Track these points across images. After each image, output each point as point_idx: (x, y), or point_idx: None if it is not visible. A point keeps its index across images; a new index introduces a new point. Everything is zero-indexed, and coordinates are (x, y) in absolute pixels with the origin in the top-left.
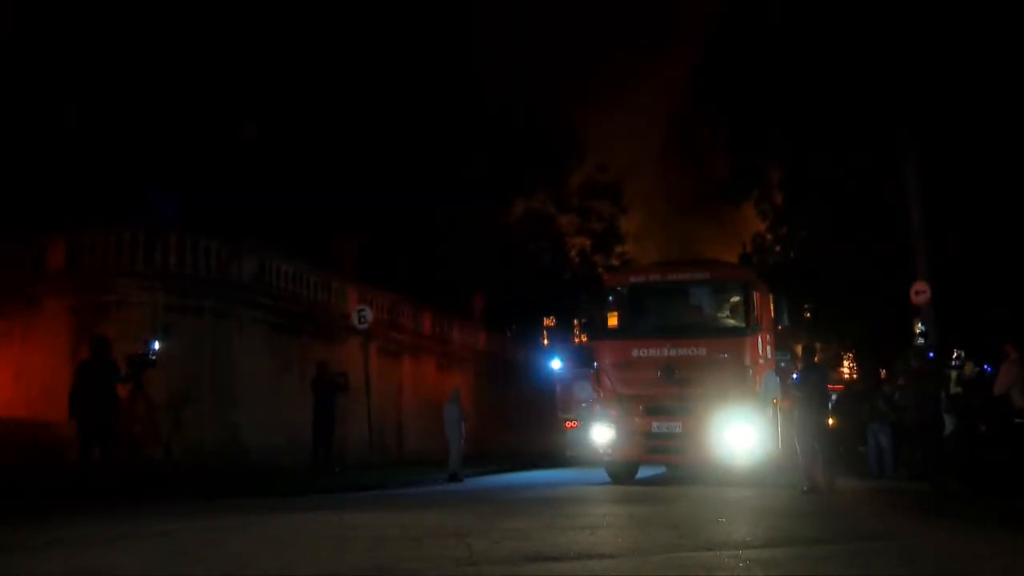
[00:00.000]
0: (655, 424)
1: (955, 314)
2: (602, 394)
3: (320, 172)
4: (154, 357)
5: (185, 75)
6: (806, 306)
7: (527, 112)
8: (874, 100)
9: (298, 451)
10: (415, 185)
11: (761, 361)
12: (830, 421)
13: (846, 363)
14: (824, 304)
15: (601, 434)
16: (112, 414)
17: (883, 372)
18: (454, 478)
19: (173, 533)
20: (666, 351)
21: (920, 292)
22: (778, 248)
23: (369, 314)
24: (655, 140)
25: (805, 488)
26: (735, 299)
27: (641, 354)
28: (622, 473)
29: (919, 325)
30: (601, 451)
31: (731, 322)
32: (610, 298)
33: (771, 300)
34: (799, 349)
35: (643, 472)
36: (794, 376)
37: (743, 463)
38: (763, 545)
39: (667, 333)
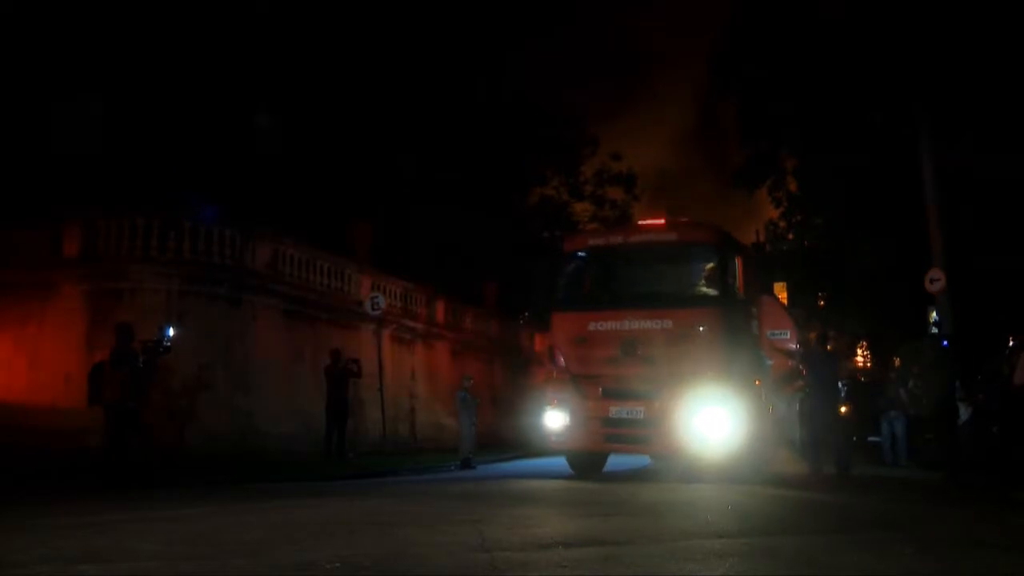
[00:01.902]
0: (613, 409)
1: (971, 302)
2: (555, 374)
3: (334, 159)
4: (169, 344)
5: (200, 62)
6: (820, 294)
7: (543, 100)
8: (888, 78)
9: (312, 438)
10: (428, 172)
11: (740, 335)
12: (843, 409)
13: (860, 352)
14: (838, 292)
15: (553, 420)
16: (138, 400)
17: (897, 361)
18: (467, 464)
19: (188, 518)
20: (627, 324)
21: (935, 280)
22: (791, 236)
23: (382, 301)
24: (670, 128)
25: (810, 474)
26: (708, 264)
27: (599, 328)
28: (583, 464)
29: (933, 314)
30: (554, 439)
31: (703, 290)
32: (567, 264)
33: (753, 265)
34: (812, 336)
35: (631, 462)
36: (804, 361)
37: (716, 453)
38: (777, 532)
39: (628, 303)
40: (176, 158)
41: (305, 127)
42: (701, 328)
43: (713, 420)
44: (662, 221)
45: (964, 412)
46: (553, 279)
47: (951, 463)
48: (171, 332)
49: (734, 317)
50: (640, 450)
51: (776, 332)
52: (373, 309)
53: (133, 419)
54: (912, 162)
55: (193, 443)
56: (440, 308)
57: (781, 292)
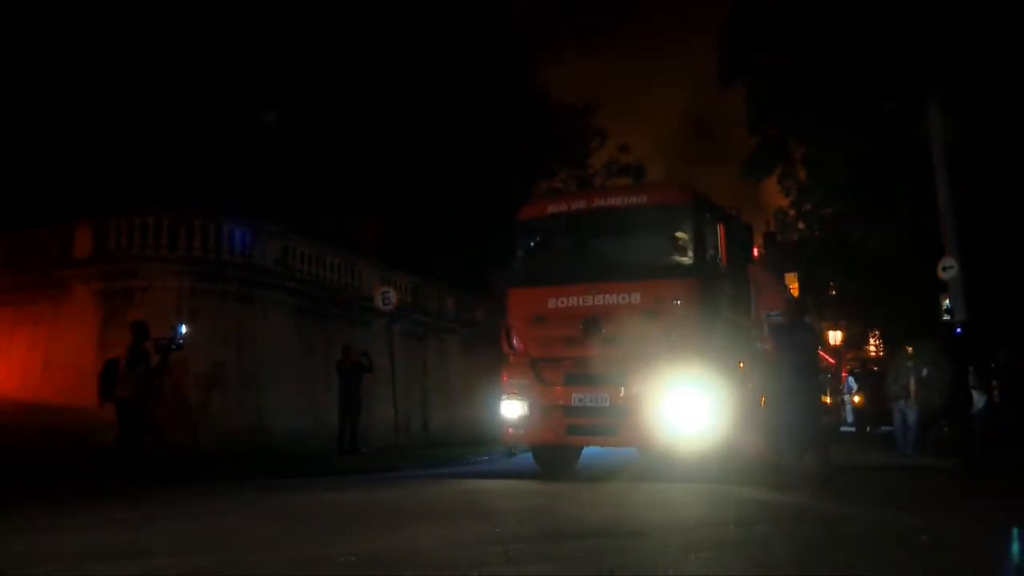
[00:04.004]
0: (576, 396)
1: (984, 290)
2: (512, 358)
3: (343, 155)
4: (181, 341)
5: (209, 59)
6: (831, 283)
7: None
8: (899, 63)
9: (324, 433)
10: (437, 168)
11: (721, 311)
12: (856, 399)
13: (872, 341)
14: (849, 281)
15: (510, 409)
16: (148, 398)
17: (909, 350)
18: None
19: (201, 515)
20: (589, 300)
21: (948, 267)
22: (802, 224)
23: (393, 296)
24: (678, 117)
25: (790, 477)
26: (683, 229)
27: (559, 305)
28: (550, 459)
29: (946, 302)
30: (511, 431)
31: (676, 260)
32: (525, 235)
33: (739, 233)
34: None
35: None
36: (773, 333)
37: (690, 446)
38: (774, 521)
39: (591, 276)
40: (185, 156)
41: (313, 124)
42: (674, 302)
43: (687, 408)
44: (632, 186)
45: (978, 400)
46: (511, 252)
47: (965, 451)
48: (183, 330)
49: (713, 290)
50: (605, 442)
51: (773, 314)
52: (384, 304)
53: (143, 417)
54: (924, 148)
55: (206, 440)
56: (451, 302)
57: (792, 282)
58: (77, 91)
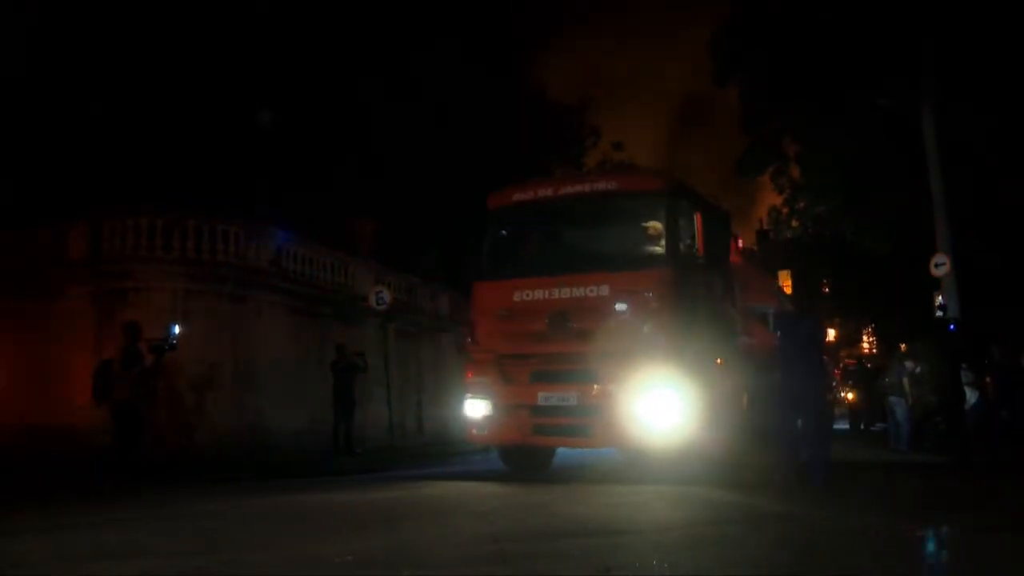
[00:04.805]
0: (542, 394)
1: (976, 286)
2: (476, 355)
3: (336, 154)
4: (174, 342)
5: (201, 59)
6: (825, 281)
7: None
8: (892, 61)
9: (319, 433)
10: (432, 167)
11: (697, 304)
12: (850, 396)
13: (866, 337)
14: (842, 278)
15: (474, 408)
16: (143, 399)
17: (903, 346)
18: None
19: (197, 516)
20: (557, 292)
21: (940, 264)
22: (795, 222)
23: (387, 296)
24: (670, 116)
25: (778, 479)
26: (657, 218)
27: (525, 298)
28: (518, 459)
29: (939, 298)
30: (475, 431)
31: (649, 249)
32: (492, 225)
33: (719, 223)
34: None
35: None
36: (776, 323)
37: (662, 446)
38: (769, 520)
39: (558, 268)
40: (178, 156)
41: (307, 123)
42: (646, 295)
43: (659, 407)
44: (602, 172)
45: (971, 396)
46: (477, 243)
47: (959, 448)
48: (177, 331)
49: (689, 282)
50: (573, 443)
51: (760, 307)
52: (378, 304)
53: (140, 418)
54: (917, 146)
55: (201, 441)
56: (445, 301)
57: (786, 280)
58: (73, 91)
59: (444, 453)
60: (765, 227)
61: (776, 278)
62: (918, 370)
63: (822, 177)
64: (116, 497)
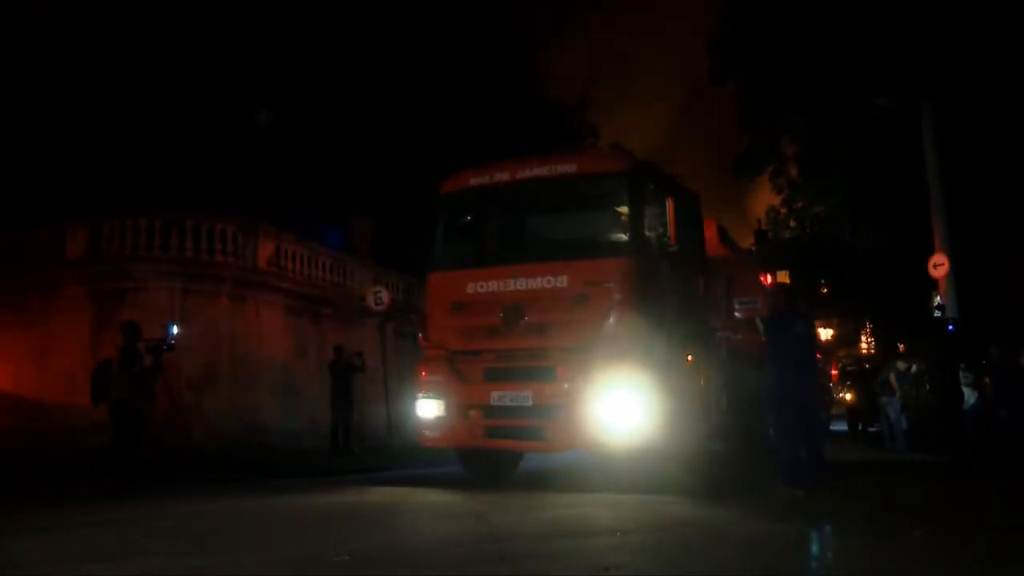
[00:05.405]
0: (495, 394)
1: (975, 287)
2: (429, 352)
3: (335, 155)
4: (173, 342)
5: (200, 59)
6: (823, 281)
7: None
8: (891, 60)
9: (318, 433)
10: (430, 167)
11: (665, 297)
12: (849, 396)
13: (864, 338)
14: (841, 279)
15: (425, 409)
16: (142, 399)
17: (901, 347)
18: None
19: (196, 516)
20: (511, 284)
21: (938, 265)
22: (793, 222)
23: (385, 295)
24: (670, 116)
25: (786, 487)
26: (619, 202)
27: (479, 290)
28: (477, 464)
29: (937, 298)
30: (427, 433)
31: (611, 236)
32: (447, 212)
33: (692, 209)
34: (771, 287)
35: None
36: (764, 325)
37: (622, 448)
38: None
39: (514, 257)
40: (176, 156)
41: (306, 123)
42: (606, 285)
43: (618, 407)
44: (563, 155)
45: (970, 396)
46: (432, 232)
47: (957, 448)
48: (175, 330)
49: (655, 271)
50: (528, 446)
51: (745, 300)
52: (376, 304)
53: (139, 418)
54: (915, 146)
55: (199, 441)
56: None
57: (784, 280)
58: (72, 91)
59: (443, 453)
60: (763, 227)
61: (767, 274)
62: (914, 368)
63: (821, 177)
64: (116, 497)
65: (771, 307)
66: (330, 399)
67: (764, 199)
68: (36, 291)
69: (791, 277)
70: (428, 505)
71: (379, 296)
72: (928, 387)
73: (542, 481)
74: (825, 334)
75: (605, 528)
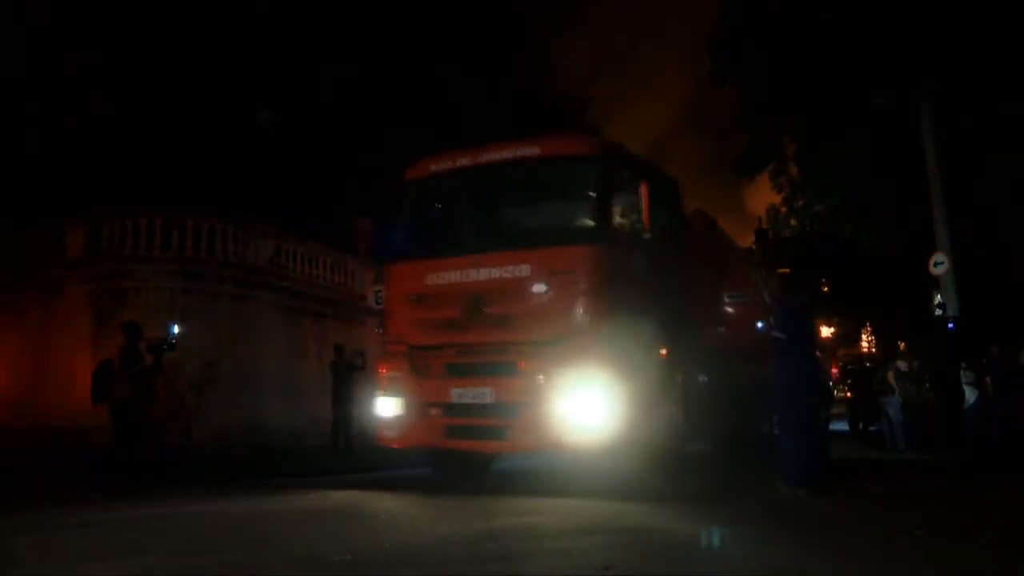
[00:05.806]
0: (456, 391)
1: (977, 286)
2: (389, 347)
3: (335, 154)
4: (174, 342)
5: (201, 60)
6: (824, 280)
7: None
8: (892, 59)
9: (319, 432)
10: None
11: (637, 288)
12: (849, 395)
13: (864, 337)
14: (841, 277)
15: (384, 407)
16: (143, 399)
17: (902, 345)
18: None
19: (197, 515)
20: (472, 274)
21: (939, 263)
22: (794, 221)
23: None
24: (670, 116)
25: (787, 486)
26: (587, 187)
27: (438, 281)
28: (446, 465)
29: (938, 297)
30: (387, 432)
31: (578, 224)
32: (408, 199)
33: (668, 195)
34: (778, 281)
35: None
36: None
37: (587, 448)
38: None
39: (475, 246)
40: (176, 156)
41: (306, 123)
42: (572, 274)
43: (583, 405)
44: (528, 140)
45: (971, 395)
46: (393, 221)
47: (958, 447)
48: (176, 330)
49: (625, 261)
50: (490, 447)
51: (736, 295)
52: (377, 303)
53: (140, 417)
54: (915, 146)
55: (200, 440)
56: None
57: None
58: (71, 91)
59: None
60: (764, 226)
61: (757, 266)
62: (913, 367)
63: (821, 176)
64: (116, 497)
65: (773, 296)
66: (331, 398)
67: (764, 198)
68: (36, 291)
69: (792, 275)
70: (429, 504)
71: (380, 295)
72: (928, 386)
73: (530, 480)
74: (825, 333)
75: (607, 527)
